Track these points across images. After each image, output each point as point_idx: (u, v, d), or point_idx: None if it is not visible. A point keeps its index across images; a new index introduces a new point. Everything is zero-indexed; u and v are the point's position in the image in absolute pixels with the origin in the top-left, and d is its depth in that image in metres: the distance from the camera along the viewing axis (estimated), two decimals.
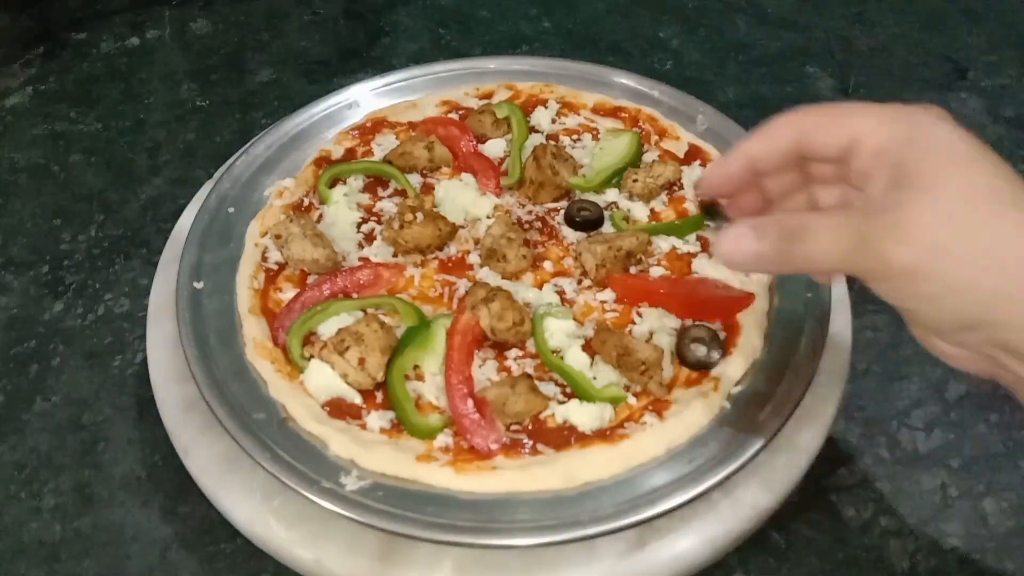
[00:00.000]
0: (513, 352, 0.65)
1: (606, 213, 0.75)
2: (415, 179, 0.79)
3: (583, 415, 0.60)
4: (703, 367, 0.64)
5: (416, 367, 0.64)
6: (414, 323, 0.66)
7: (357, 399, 0.62)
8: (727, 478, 0.56)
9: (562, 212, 0.75)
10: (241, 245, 0.73)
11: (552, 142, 0.81)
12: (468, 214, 0.76)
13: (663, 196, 0.77)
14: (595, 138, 0.83)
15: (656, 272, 0.71)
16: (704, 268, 0.70)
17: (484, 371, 0.63)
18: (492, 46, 1.10)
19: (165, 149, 0.96)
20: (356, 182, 0.79)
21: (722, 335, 0.65)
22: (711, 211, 0.56)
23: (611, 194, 0.77)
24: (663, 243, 0.73)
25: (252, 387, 0.63)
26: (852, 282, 0.79)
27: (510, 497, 0.56)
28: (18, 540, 0.64)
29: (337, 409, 0.62)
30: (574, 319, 0.67)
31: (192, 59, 1.09)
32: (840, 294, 0.70)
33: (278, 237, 0.71)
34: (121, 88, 1.05)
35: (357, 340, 0.62)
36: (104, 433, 0.70)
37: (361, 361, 0.62)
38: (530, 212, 0.76)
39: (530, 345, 0.65)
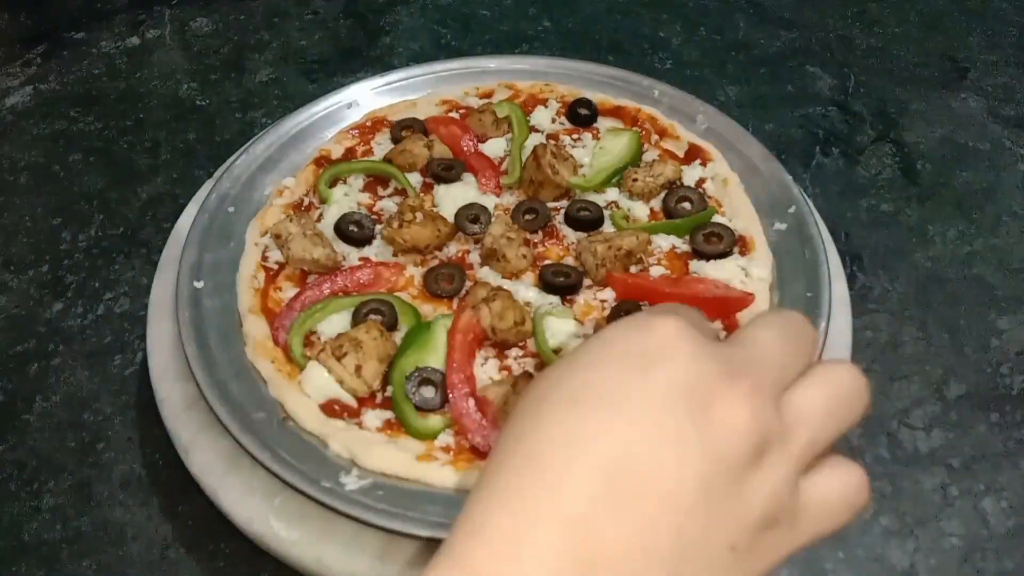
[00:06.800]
0: (513, 351, 0.65)
1: (606, 212, 0.75)
2: (415, 178, 0.79)
3: None
4: None
5: (417, 368, 0.64)
6: (411, 323, 0.66)
7: (353, 402, 0.62)
8: None
9: (562, 212, 0.75)
10: (241, 244, 0.73)
11: (552, 142, 0.81)
12: None
13: (663, 195, 0.77)
14: (595, 137, 0.83)
15: (656, 271, 0.71)
16: (703, 268, 0.71)
17: (485, 370, 0.63)
18: (492, 45, 1.10)
19: (165, 149, 0.96)
20: (356, 181, 0.79)
21: (722, 335, 0.65)
22: None
23: (611, 193, 0.77)
24: (663, 242, 0.73)
25: (252, 386, 0.63)
26: (852, 282, 0.79)
27: None
28: (18, 540, 0.64)
29: (333, 411, 0.61)
30: (574, 319, 0.67)
31: (192, 59, 1.09)
32: (840, 294, 0.70)
33: (278, 237, 0.71)
34: (121, 88, 1.05)
35: (355, 347, 0.62)
36: (104, 433, 0.70)
37: (358, 368, 0.62)
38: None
39: (530, 344, 0.65)
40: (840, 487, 0.38)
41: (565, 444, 0.34)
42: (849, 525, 0.39)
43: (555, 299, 0.68)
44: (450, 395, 0.61)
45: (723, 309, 0.67)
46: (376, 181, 0.79)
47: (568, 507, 0.33)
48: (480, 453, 0.58)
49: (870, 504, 0.39)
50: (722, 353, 0.37)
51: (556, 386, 0.37)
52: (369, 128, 0.84)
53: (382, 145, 0.82)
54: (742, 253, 0.71)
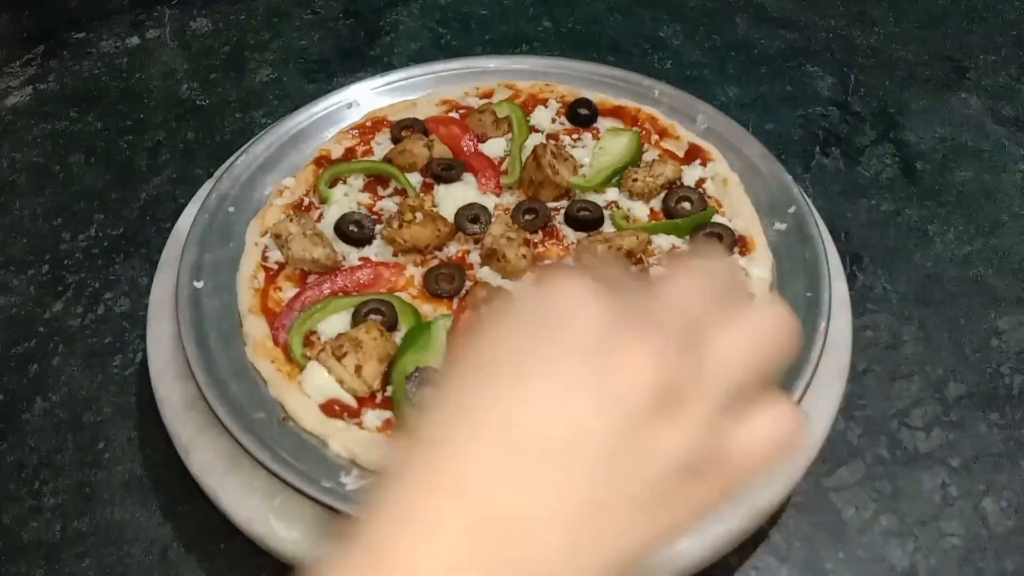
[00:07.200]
0: None
1: (606, 212, 0.75)
2: (415, 178, 0.79)
3: None
4: None
5: (417, 368, 0.64)
6: (411, 323, 0.66)
7: (353, 402, 0.62)
8: None
9: (562, 212, 0.75)
10: (241, 244, 0.73)
11: (552, 142, 0.81)
12: None
13: (663, 195, 0.77)
14: (595, 137, 0.83)
15: (656, 272, 0.71)
16: None
17: None
18: (492, 45, 1.10)
19: (165, 149, 0.96)
20: (356, 181, 0.79)
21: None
22: None
23: (611, 193, 0.77)
24: (663, 242, 0.73)
25: (252, 386, 0.63)
26: (852, 282, 0.79)
27: None
28: (18, 540, 0.64)
29: (333, 411, 0.61)
30: None
31: (192, 59, 1.09)
32: (840, 294, 0.70)
33: (278, 237, 0.71)
34: (121, 88, 1.05)
35: (355, 347, 0.62)
36: (104, 433, 0.70)
37: (358, 368, 0.62)
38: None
39: None
40: (767, 425, 0.37)
41: (463, 411, 0.34)
42: (781, 463, 0.37)
43: None
44: None
45: None
46: (376, 181, 0.79)
47: (462, 472, 0.32)
48: None
49: (804, 442, 0.38)
50: (630, 308, 0.35)
51: (464, 358, 0.36)
52: (369, 128, 0.84)
53: (382, 145, 0.82)
54: (742, 253, 0.71)
